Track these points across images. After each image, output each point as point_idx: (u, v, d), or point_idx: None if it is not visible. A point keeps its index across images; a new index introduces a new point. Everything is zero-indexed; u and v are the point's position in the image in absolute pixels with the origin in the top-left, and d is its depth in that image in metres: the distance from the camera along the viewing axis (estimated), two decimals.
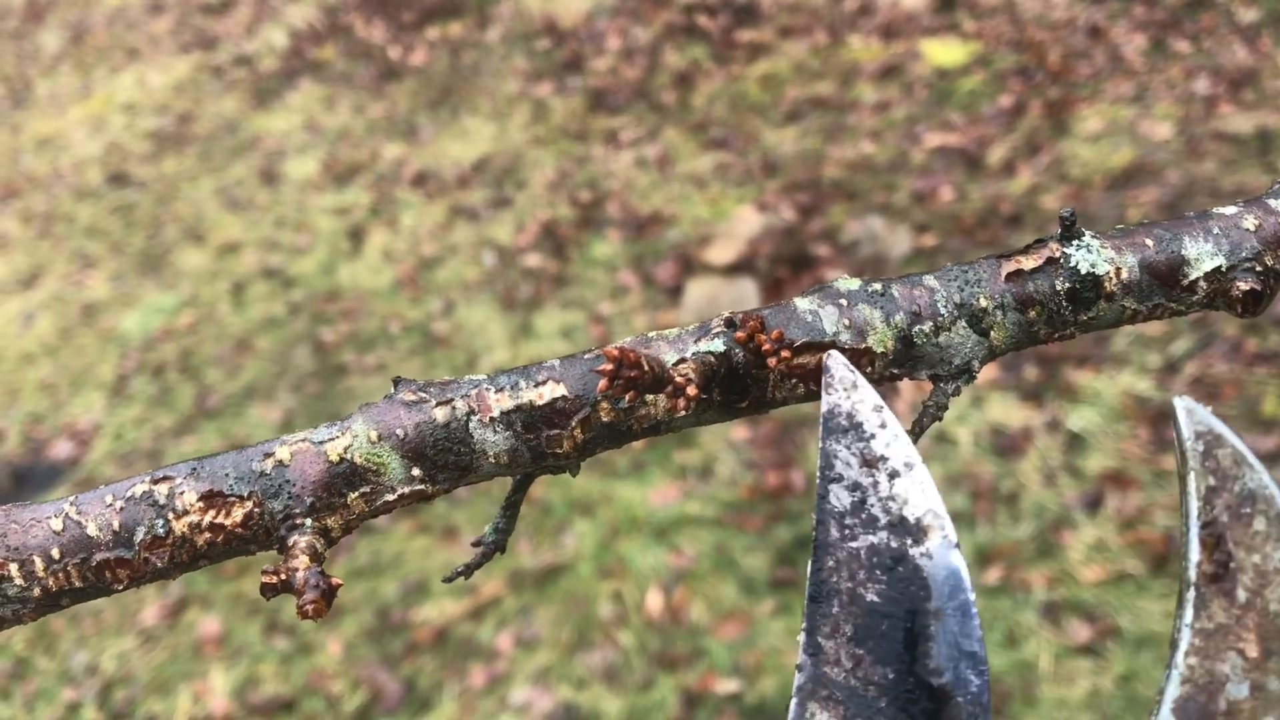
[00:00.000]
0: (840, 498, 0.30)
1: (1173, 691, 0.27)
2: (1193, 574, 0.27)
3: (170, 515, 0.36)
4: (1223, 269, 0.59)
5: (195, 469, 0.37)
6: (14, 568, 0.33)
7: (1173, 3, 5.12)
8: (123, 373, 4.48)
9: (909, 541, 0.28)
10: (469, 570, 0.51)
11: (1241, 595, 0.25)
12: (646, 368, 0.40)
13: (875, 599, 0.27)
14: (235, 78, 6.83)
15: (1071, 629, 2.60)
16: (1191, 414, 0.28)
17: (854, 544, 0.28)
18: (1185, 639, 0.26)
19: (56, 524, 0.35)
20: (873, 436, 0.30)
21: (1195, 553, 0.27)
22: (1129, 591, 2.66)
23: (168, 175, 5.97)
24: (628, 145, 5.11)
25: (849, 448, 0.30)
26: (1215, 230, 0.60)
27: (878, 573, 0.27)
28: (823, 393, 0.34)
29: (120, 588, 0.35)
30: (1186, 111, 4.35)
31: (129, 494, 0.36)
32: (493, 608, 3.05)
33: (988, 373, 3.38)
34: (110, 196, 5.94)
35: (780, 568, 2.93)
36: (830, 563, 0.28)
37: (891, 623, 0.26)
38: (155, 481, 0.36)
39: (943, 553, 0.28)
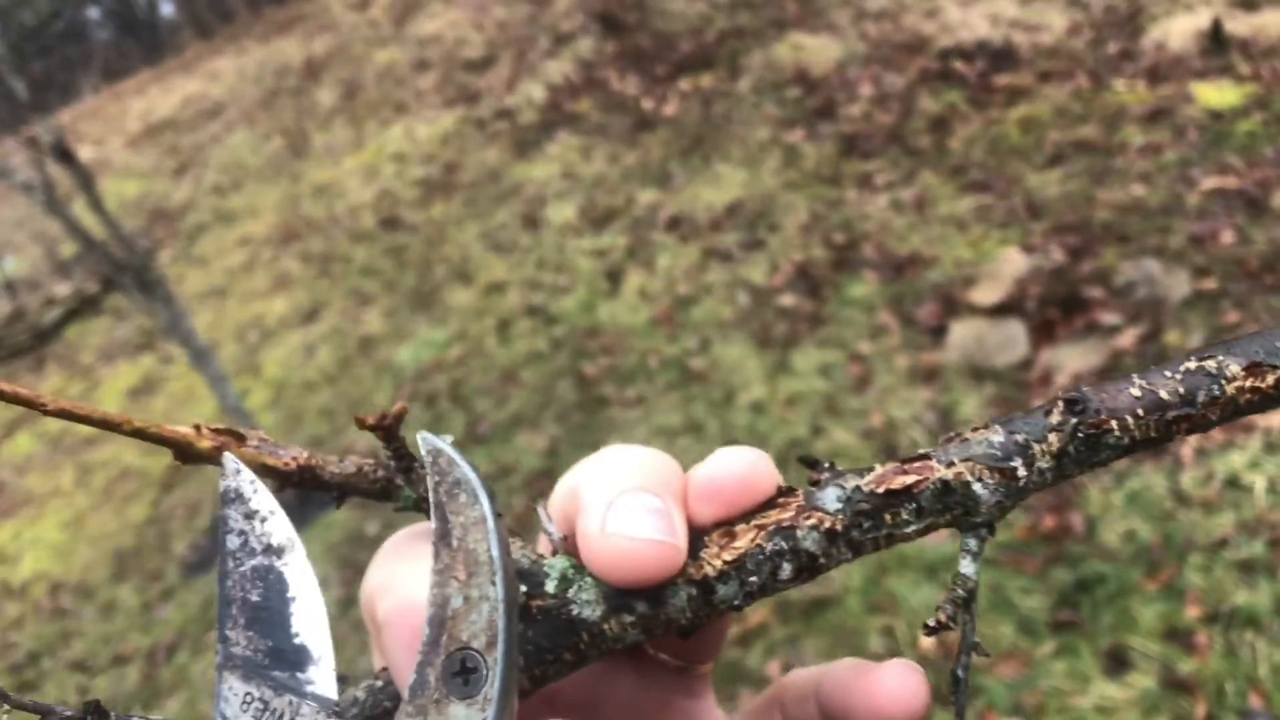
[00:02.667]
0: (233, 541, 0.46)
1: (427, 612, 0.41)
2: (433, 535, 0.41)
3: (1223, 381, 0.48)
4: None
5: (1229, 348, 0.49)
6: (1114, 423, 0.46)
7: None
8: (397, 400, 4.75)
9: (275, 559, 0.45)
10: None
11: (454, 542, 0.40)
12: None
13: (257, 598, 0.44)
14: (497, 130, 7.19)
15: None
16: (426, 439, 0.42)
17: (243, 568, 0.45)
18: (430, 578, 0.40)
19: (1135, 392, 0.47)
20: (250, 499, 0.45)
21: (434, 523, 0.41)
22: None
23: (436, 220, 6.33)
24: (882, 188, 5.11)
25: (237, 509, 0.46)
26: None
27: (258, 582, 0.45)
28: (220, 480, 0.47)
29: (1180, 435, 0.48)
30: None
31: (1183, 368, 0.48)
32: (760, 635, 3.07)
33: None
34: (383, 239, 6.33)
35: (1061, 609, 2.84)
36: (229, 582, 0.45)
37: (268, 612, 0.44)
38: (1200, 360, 0.48)
39: (298, 561, 0.45)
